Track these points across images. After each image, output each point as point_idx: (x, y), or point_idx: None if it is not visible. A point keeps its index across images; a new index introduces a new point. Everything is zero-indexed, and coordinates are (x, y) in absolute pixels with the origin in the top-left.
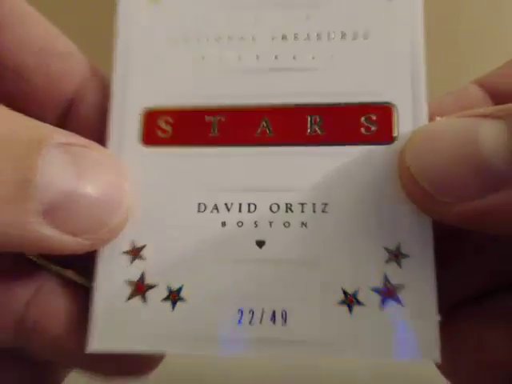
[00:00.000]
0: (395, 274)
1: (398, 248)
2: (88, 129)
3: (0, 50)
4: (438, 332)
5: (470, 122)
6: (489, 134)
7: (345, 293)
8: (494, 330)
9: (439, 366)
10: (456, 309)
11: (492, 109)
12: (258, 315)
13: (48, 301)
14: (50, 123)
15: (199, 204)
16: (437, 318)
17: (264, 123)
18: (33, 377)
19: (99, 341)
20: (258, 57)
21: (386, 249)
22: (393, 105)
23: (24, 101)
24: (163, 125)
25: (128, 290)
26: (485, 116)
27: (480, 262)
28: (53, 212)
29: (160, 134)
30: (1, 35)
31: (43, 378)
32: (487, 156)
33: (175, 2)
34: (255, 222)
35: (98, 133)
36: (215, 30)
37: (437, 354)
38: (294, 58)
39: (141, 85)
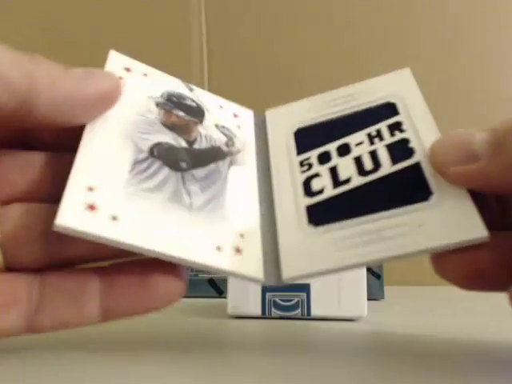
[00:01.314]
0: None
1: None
2: None
3: None
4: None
5: (470, 131)
6: (480, 135)
7: None
8: None
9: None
10: None
11: (486, 129)
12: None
13: None
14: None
15: None
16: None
17: None
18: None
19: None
20: None
21: None
22: None
23: None
24: None
25: None
26: (482, 130)
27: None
28: None
29: None
30: None
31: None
32: (474, 144)
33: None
34: None
35: None
36: None
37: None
38: None
39: None
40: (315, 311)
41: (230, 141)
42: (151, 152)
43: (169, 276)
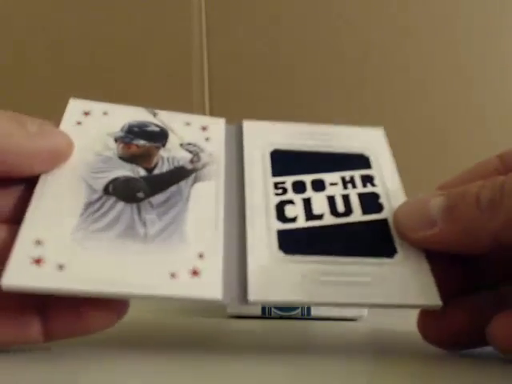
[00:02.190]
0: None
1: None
2: None
3: None
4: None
5: (428, 196)
6: (435, 201)
7: None
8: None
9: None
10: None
11: (443, 191)
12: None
13: None
14: None
15: None
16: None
17: None
18: None
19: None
20: None
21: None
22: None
23: None
24: None
25: None
26: (437, 195)
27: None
28: None
29: None
30: None
31: None
32: (430, 210)
33: None
34: None
35: None
36: None
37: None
38: None
39: None
40: (315, 311)
41: (196, 156)
42: (106, 190)
43: (102, 311)
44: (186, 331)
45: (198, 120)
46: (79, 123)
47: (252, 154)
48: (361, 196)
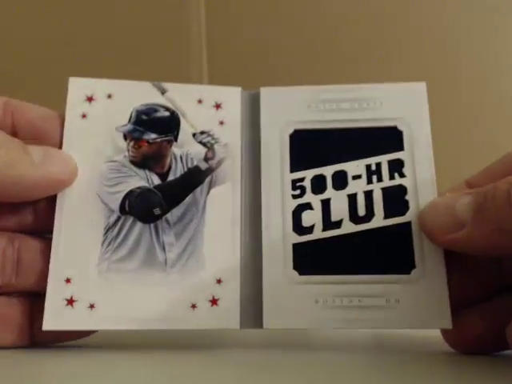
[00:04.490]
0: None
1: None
2: None
3: None
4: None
5: (456, 195)
6: (463, 201)
7: None
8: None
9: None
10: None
11: (471, 190)
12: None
13: None
14: None
15: None
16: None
17: None
18: None
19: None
20: None
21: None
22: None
23: None
24: None
25: None
26: (465, 194)
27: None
28: None
29: None
30: None
31: None
32: (458, 211)
33: None
34: None
35: None
36: None
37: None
38: None
39: None
40: None
41: (210, 151)
42: (122, 209)
43: None
44: (186, 331)
45: (211, 94)
46: (84, 116)
47: (270, 137)
48: (385, 191)
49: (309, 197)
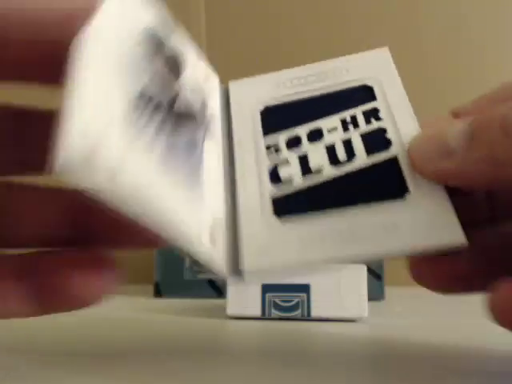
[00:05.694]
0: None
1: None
2: None
3: None
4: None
5: (447, 123)
6: (455, 127)
7: None
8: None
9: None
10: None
11: (467, 118)
12: None
13: None
14: None
15: None
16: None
17: None
18: None
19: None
20: None
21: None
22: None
23: None
24: None
25: None
26: (457, 121)
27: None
28: None
29: None
30: None
31: None
32: (449, 138)
33: None
34: None
35: None
36: None
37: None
38: None
39: None
40: (315, 312)
41: (203, 106)
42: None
43: (89, 279)
44: (186, 332)
45: (201, 65)
46: None
47: (240, 117)
48: (364, 136)
49: (284, 154)
